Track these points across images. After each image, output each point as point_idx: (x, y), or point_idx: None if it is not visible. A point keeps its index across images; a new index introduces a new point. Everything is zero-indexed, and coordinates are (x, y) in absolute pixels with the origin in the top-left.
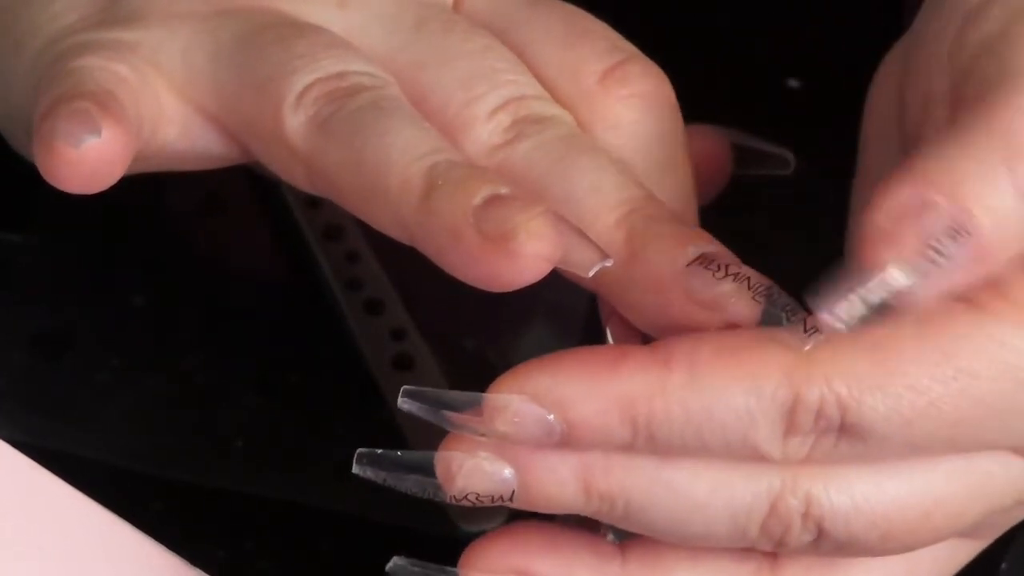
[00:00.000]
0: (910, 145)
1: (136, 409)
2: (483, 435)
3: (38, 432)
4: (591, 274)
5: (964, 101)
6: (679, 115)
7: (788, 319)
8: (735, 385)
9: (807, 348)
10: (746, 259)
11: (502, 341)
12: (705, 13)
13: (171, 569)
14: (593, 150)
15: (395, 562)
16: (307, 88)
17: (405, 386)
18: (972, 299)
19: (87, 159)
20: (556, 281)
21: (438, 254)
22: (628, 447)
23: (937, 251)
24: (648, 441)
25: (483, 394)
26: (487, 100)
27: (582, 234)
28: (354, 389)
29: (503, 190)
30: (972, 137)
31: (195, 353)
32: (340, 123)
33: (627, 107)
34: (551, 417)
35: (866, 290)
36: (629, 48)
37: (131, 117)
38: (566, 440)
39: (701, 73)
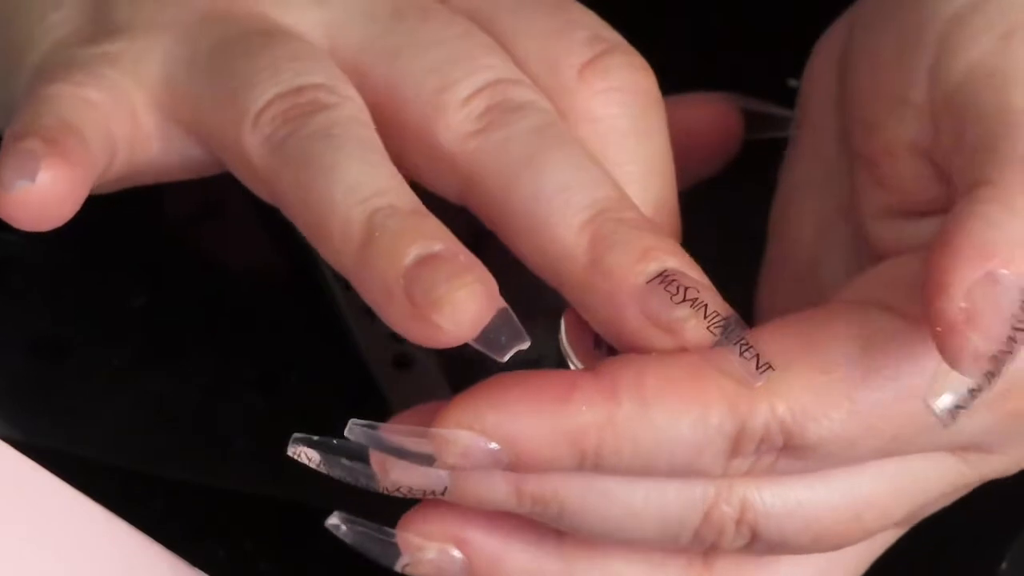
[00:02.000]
0: (856, 129)
1: (136, 409)
2: (431, 464)
3: (38, 432)
4: (505, 359)
5: (969, 141)
6: (661, 108)
7: (741, 354)
8: (682, 417)
9: (758, 384)
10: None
11: None
12: (705, 13)
13: (171, 569)
14: (567, 144)
15: (335, 516)
16: (265, 105)
17: (352, 419)
18: (910, 314)
19: (30, 201)
20: (546, 286)
21: (375, 306)
22: (575, 471)
23: (1018, 325)
24: (595, 468)
25: (431, 428)
26: (461, 86)
27: (505, 312)
28: (354, 389)
29: (436, 247)
30: (1017, 201)
31: (195, 353)
32: (291, 150)
33: (606, 101)
34: (498, 447)
35: (963, 379)
36: (612, 38)
37: (88, 150)
38: (514, 467)
39: (701, 73)
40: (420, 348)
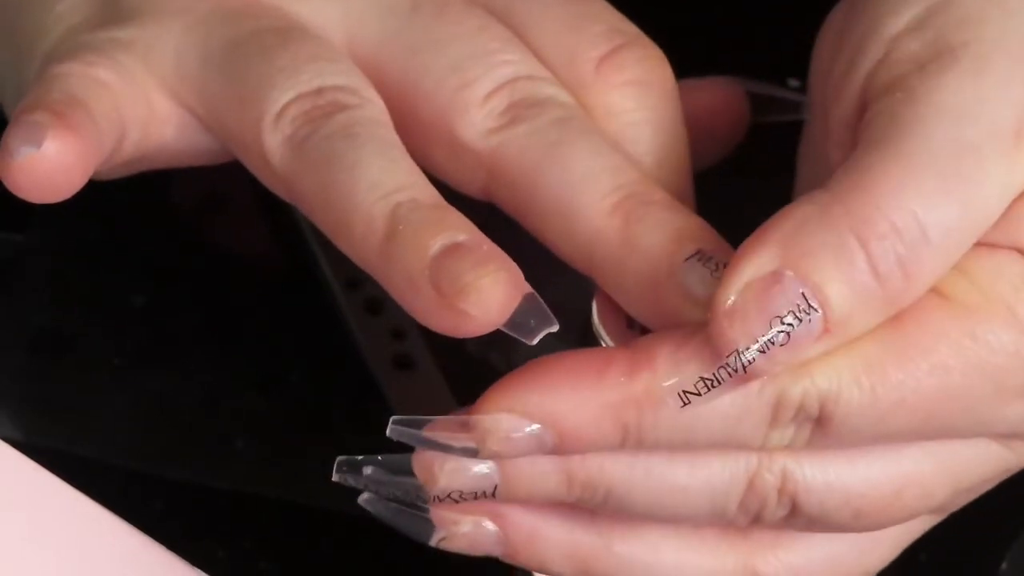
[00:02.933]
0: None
1: (136, 409)
2: (474, 454)
3: (38, 432)
4: (535, 342)
5: (857, 146)
6: (678, 100)
7: None
8: (721, 387)
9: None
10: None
11: (502, 341)
12: (705, 13)
13: (171, 569)
14: (589, 133)
15: (368, 493)
16: (285, 106)
17: (394, 416)
18: (946, 292)
19: (36, 169)
20: (556, 281)
21: (400, 299)
22: (617, 448)
23: (783, 329)
24: (637, 443)
25: (473, 416)
26: (481, 84)
27: (532, 296)
28: (354, 389)
29: (461, 237)
30: (832, 208)
31: (195, 352)
32: (313, 150)
33: (623, 95)
34: (541, 430)
35: (714, 369)
36: (629, 30)
37: (96, 125)
38: (557, 449)
39: (701, 73)
40: (420, 348)
